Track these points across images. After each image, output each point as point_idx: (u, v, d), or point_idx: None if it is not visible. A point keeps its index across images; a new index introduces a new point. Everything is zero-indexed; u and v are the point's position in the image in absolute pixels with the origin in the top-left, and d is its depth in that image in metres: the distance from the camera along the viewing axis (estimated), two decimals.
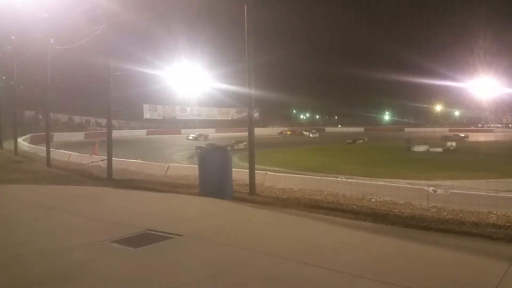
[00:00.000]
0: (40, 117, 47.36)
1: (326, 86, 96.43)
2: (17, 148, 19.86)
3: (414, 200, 7.21)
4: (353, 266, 3.93)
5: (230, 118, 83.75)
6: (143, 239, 4.91)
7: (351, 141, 43.11)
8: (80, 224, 5.85)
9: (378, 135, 60.74)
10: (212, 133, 65.41)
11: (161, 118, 76.27)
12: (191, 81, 64.86)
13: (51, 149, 14.95)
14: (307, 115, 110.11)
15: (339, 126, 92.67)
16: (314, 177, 10.48)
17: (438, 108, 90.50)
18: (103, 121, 49.08)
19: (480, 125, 78.47)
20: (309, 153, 30.84)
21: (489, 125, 75.57)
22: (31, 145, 24.86)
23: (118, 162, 12.79)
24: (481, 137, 49.69)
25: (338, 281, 3.62)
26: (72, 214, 6.52)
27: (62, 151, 18.63)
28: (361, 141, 44.20)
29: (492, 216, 6.15)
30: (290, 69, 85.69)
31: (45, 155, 14.55)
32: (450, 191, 7.36)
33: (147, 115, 74.91)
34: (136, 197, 8.26)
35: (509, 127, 71.84)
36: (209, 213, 6.60)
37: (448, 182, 12.60)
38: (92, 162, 14.05)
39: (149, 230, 5.29)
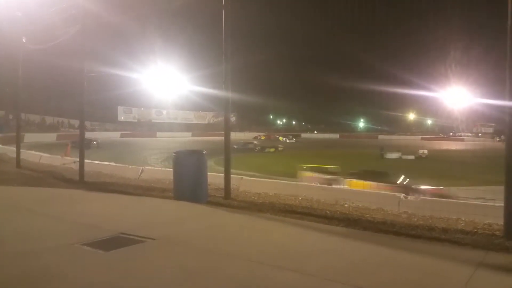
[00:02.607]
0: (11, 117, 46.04)
1: (303, 93, 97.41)
2: None
3: (385, 206, 7.34)
4: (326, 270, 3.98)
5: (206, 122, 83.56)
6: (115, 242, 4.82)
7: (260, 147, 39.53)
8: (51, 226, 5.71)
9: (350, 141, 61.63)
10: (188, 136, 65.03)
11: (136, 120, 75.37)
12: (167, 84, 64.30)
13: (21, 150, 14.53)
14: (284, 121, 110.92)
15: (315, 132, 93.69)
16: (289, 182, 10.56)
17: (411, 116, 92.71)
18: (76, 123, 48.05)
19: (451, 133, 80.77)
20: (285, 159, 31.01)
21: (460, 134, 77.88)
22: (1, 145, 24.10)
23: (91, 164, 12.54)
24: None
25: (310, 284, 3.65)
26: (42, 216, 6.36)
27: (33, 152, 18.14)
28: (273, 149, 39.98)
29: (461, 222, 6.32)
30: (268, 75, 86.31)
31: (15, 156, 14.13)
32: (421, 197, 7.56)
33: (121, 117, 73.89)
34: (108, 200, 8.11)
35: (479, 136, 74.14)
36: (183, 217, 6.55)
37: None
38: (64, 164, 13.74)
39: (121, 233, 5.20)
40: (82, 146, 11.00)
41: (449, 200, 8.07)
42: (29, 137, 38.00)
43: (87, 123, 52.50)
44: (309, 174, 13.75)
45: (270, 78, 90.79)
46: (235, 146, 34.27)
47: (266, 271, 3.97)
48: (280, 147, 41.55)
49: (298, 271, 3.92)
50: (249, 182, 9.84)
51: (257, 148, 38.83)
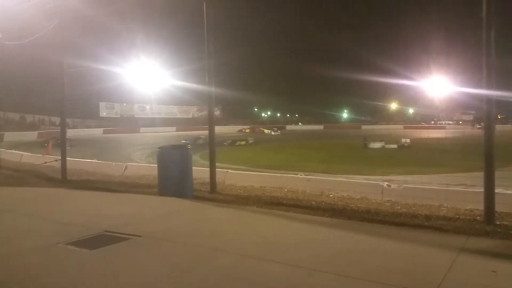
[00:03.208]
0: None
1: (287, 85, 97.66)
2: None
3: (369, 195, 7.43)
4: (311, 260, 4.01)
5: (191, 116, 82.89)
6: (100, 240, 4.78)
7: (230, 141, 37.76)
8: (34, 226, 5.63)
9: (334, 132, 62.09)
10: (172, 131, 64.54)
11: (119, 116, 74.32)
12: (150, 78, 63.52)
13: (1, 150, 14.24)
14: (269, 113, 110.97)
15: (300, 124, 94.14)
16: (275, 174, 10.58)
17: (393, 106, 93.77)
18: (58, 120, 46.85)
19: (432, 122, 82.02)
20: (269, 151, 31.04)
21: (441, 122, 79.16)
22: None
23: (74, 162, 12.38)
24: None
25: (296, 275, 3.69)
26: (25, 216, 6.26)
27: (13, 151, 17.81)
28: (243, 142, 38.91)
29: (443, 209, 6.44)
30: (251, 67, 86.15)
31: None
32: (404, 185, 7.66)
33: (103, 113, 72.73)
34: (92, 198, 8.02)
35: (460, 124, 75.48)
36: (169, 212, 6.52)
37: (402, 177, 13.09)
38: (45, 162, 13.53)
39: (106, 231, 5.15)
40: (64, 144, 10.84)
41: (431, 187, 8.19)
42: (9, 136, 37.32)
43: (69, 120, 51.61)
44: None
45: (254, 71, 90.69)
46: (183, 141, 32.34)
47: (253, 263, 3.99)
48: (250, 140, 40.92)
49: (284, 263, 3.95)
50: (234, 176, 9.84)
51: (227, 142, 37.17)
